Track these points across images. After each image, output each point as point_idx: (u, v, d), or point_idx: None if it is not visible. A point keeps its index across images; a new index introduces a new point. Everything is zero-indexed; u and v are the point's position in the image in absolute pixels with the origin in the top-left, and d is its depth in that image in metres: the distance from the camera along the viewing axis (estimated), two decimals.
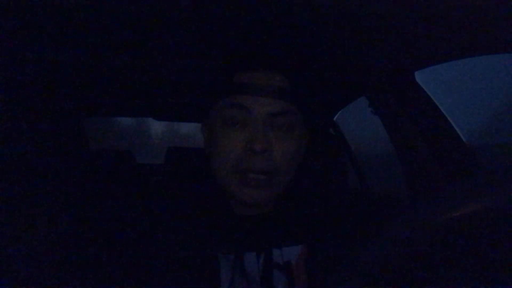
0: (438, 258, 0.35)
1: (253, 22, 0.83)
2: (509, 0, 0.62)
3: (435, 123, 1.02)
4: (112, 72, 1.28)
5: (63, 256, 0.93)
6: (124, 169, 1.74)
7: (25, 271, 0.81)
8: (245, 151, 0.59)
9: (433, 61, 0.94)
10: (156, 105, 1.80)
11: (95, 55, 1.09)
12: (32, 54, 1.03)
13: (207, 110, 0.69)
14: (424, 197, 0.35)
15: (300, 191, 0.71)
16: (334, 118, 1.76)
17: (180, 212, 0.66)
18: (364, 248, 0.35)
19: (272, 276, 0.62)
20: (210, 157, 0.65)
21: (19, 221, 0.87)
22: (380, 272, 0.34)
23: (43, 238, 0.91)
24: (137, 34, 0.94)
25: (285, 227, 0.65)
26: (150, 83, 1.41)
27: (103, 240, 0.91)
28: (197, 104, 1.61)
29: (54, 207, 1.04)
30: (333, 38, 0.92)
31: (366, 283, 0.34)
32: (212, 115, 0.66)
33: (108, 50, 1.06)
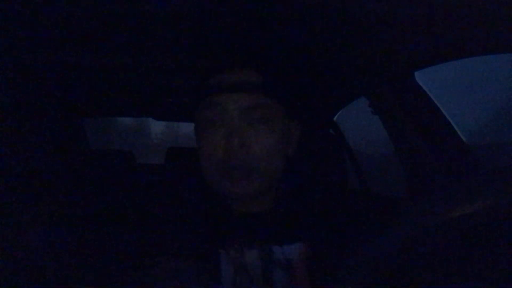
0: (438, 258, 0.35)
1: (232, 23, 0.84)
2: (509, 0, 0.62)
3: (435, 123, 1.02)
4: (112, 72, 1.28)
5: (63, 256, 0.93)
6: (124, 169, 1.74)
7: (25, 271, 0.81)
8: (224, 150, 0.61)
9: (433, 61, 0.94)
10: (156, 105, 1.80)
11: (95, 56, 1.09)
12: (33, 55, 1.03)
13: (190, 89, 0.72)
14: (424, 197, 0.35)
15: (300, 189, 0.72)
16: (334, 118, 1.76)
17: (181, 210, 0.67)
18: (364, 248, 0.35)
19: (273, 273, 0.63)
20: (199, 159, 0.67)
21: (19, 221, 0.87)
22: (380, 272, 0.34)
23: (43, 237, 0.91)
24: (136, 34, 0.94)
25: (287, 225, 0.66)
26: (150, 83, 1.41)
27: (103, 239, 0.91)
28: (194, 104, 1.61)
29: (54, 206, 1.04)
30: (333, 38, 0.92)
31: (367, 283, 0.34)
32: (195, 117, 0.68)
33: (108, 51, 1.06)
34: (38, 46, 0.99)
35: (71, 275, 0.88)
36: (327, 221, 0.68)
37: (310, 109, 1.63)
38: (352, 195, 1.60)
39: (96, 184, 1.59)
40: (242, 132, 0.61)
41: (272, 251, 0.63)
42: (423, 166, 1.02)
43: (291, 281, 0.63)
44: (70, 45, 1.01)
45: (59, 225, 1.00)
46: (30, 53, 1.02)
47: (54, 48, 1.02)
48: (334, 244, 0.63)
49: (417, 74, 1.04)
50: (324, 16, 0.80)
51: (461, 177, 0.93)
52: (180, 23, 0.86)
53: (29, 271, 0.82)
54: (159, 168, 2.19)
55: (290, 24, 0.84)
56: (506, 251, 0.35)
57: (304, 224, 0.67)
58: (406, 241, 0.33)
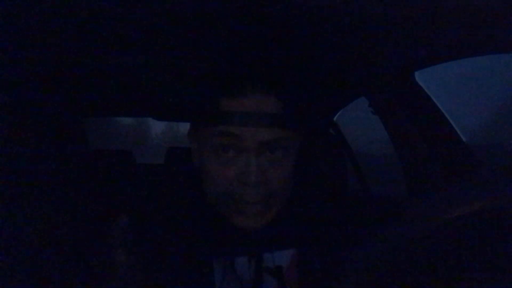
0: (438, 258, 0.35)
1: (239, 41, 0.82)
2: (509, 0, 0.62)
3: (435, 123, 1.02)
4: (112, 72, 1.28)
5: (63, 256, 0.93)
6: (124, 169, 1.74)
7: (25, 271, 0.81)
8: (238, 181, 0.56)
9: (433, 61, 0.94)
10: (156, 105, 1.80)
11: (95, 55, 1.09)
12: (32, 54, 1.03)
13: (197, 114, 0.64)
14: (424, 197, 0.35)
15: (298, 193, 0.71)
16: (334, 118, 1.76)
17: (176, 214, 0.66)
18: (364, 248, 0.35)
19: (263, 281, 0.62)
20: (201, 177, 0.62)
21: (18, 221, 0.87)
22: (380, 272, 0.34)
23: (42, 238, 0.91)
24: (137, 34, 0.94)
25: (278, 232, 0.64)
26: (150, 83, 1.41)
27: (102, 239, 0.91)
28: (195, 104, 1.61)
29: (53, 207, 1.04)
30: (333, 38, 0.92)
31: (366, 283, 0.34)
32: (200, 139, 0.62)
33: (108, 50, 1.06)
34: (38, 46, 0.99)
35: (70, 274, 0.88)
36: (325, 223, 0.67)
37: (310, 109, 1.63)
38: (352, 196, 1.60)
39: (96, 184, 1.59)
40: (260, 168, 0.56)
41: (263, 258, 0.63)
42: (423, 166, 1.02)
43: None
44: (70, 45, 1.01)
45: (58, 225, 1.00)
46: (30, 53, 1.02)
47: (54, 48, 1.02)
48: (329, 248, 0.63)
49: (417, 74, 1.04)
50: (325, 16, 0.80)
51: (461, 177, 0.93)
52: (186, 25, 0.85)
53: (29, 271, 0.82)
54: (159, 168, 2.19)
55: (297, 30, 0.82)
56: (506, 251, 0.35)
57: (296, 231, 0.66)
58: (405, 242, 0.33)
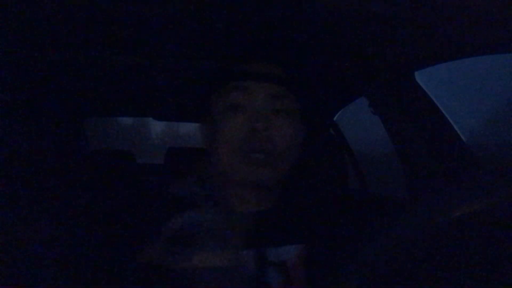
0: (438, 258, 0.35)
1: (254, 21, 0.84)
2: (509, 0, 0.62)
3: (435, 123, 1.02)
4: (112, 72, 1.28)
5: (63, 256, 0.93)
6: (124, 169, 1.74)
7: (25, 271, 0.81)
8: (247, 133, 0.63)
9: (433, 61, 0.94)
10: (156, 105, 1.80)
11: (95, 55, 1.09)
12: (33, 54, 1.03)
13: (206, 108, 0.72)
14: (424, 197, 0.35)
15: (300, 190, 0.72)
16: (334, 118, 1.76)
17: (179, 209, 0.67)
18: (364, 248, 0.35)
19: (267, 275, 0.63)
20: (211, 146, 0.69)
21: (19, 221, 0.87)
22: (380, 272, 0.34)
23: (43, 238, 0.91)
24: (137, 34, 0.94)
25: (283, 227, 0.66)
26: (150, 83, 1.41)
27: (103, 239, 0.91)
28: (196, 104, 1.61)
29: (54, 207, 1.04)
30: (333, 38, 0.92)
31: (366, 283, 0.34)
32: (214, 102, 0.70)
33: (108, 51, 1.06)
34: (38, 46, 0.99)
35: (71, 274, 0.88)
36: (326, 223, 0.68)
37: (310, 109, 1.63)
38: (352, 195, 1.60)
39: (96, 184, 1.59)
40: (266, 118, 0.64)
41: (267, 252, 0.64)
42: (423, 166, 1.02)
43: (286, 283, 0.63)
44: (70, 45, 1.01)
45: (59, 225, 1.00)
46: (30, 53, 1.02)
47: (54, 48, 1.02)
48: (332, 246, 0.63)
49: (417, 74, 1.04)
50: (325, 16, 0.80)
51: (461, 177, 0.93)
52: (187, 19, 0.85)
53: (30, 270, 0.82)
54: (159, 168, 2.19)
55: (300, 25, 0.85)
56: (506, 251, 0.35)
57: (302, 226, 0.67)
58: (406, 241, 0.33)
